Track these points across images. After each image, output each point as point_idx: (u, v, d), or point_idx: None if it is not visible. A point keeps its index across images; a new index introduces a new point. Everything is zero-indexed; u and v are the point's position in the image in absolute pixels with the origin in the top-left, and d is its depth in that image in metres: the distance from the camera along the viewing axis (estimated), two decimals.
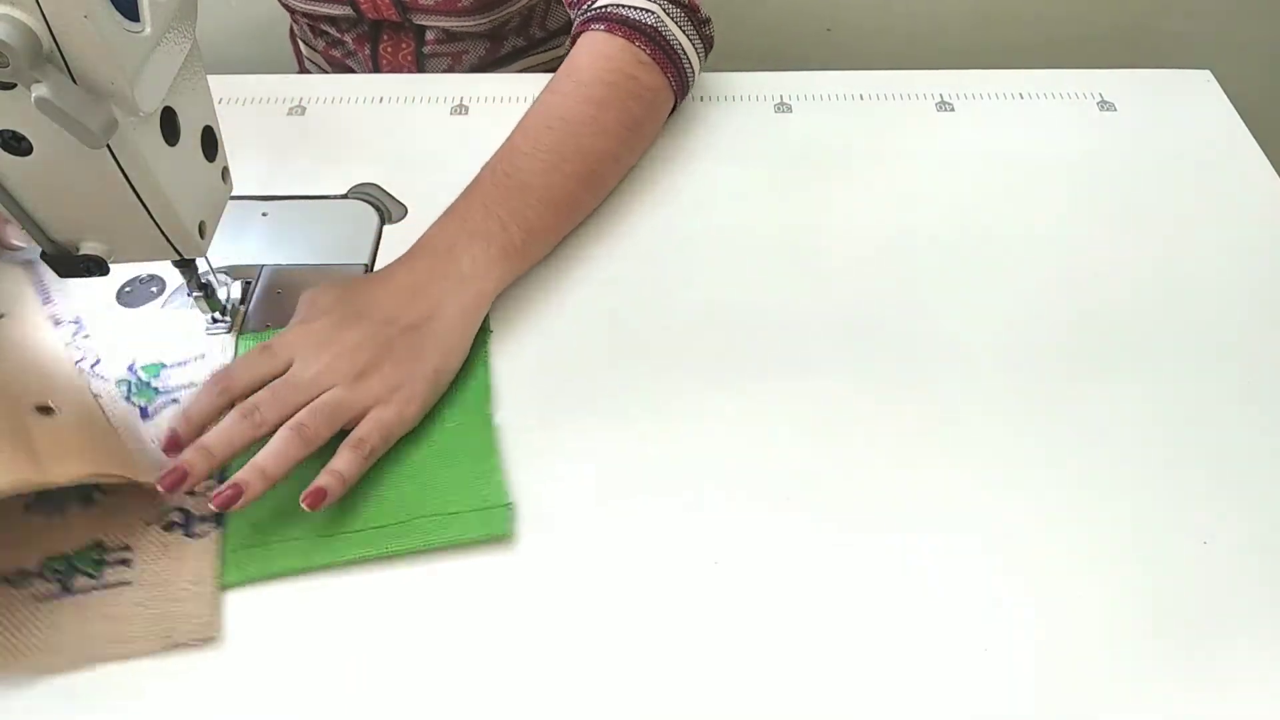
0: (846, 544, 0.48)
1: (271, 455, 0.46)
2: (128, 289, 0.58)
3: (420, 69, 0.80)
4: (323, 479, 0.46)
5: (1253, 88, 0.83)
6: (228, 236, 0.60)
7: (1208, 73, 0.75)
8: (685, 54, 0.66)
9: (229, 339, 0.55)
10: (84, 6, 0.36)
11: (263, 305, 0.58)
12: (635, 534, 0.48)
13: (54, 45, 0.36)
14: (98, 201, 0.44)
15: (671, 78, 0.65)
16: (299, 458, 0.47)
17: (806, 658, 0.44)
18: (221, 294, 0.56)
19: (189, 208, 0.46)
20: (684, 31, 0.65)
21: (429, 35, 0.78)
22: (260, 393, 0.48)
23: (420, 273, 0.55)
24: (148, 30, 0.39)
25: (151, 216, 0.45)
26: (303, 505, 0.45)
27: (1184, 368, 0.55)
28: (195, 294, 0.55)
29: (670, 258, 0.61)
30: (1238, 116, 0.71)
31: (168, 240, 0.47)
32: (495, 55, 0.81)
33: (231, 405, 0.48)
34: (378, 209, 0.64)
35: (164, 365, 0.54)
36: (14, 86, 0.38)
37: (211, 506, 0.45)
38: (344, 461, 0.47)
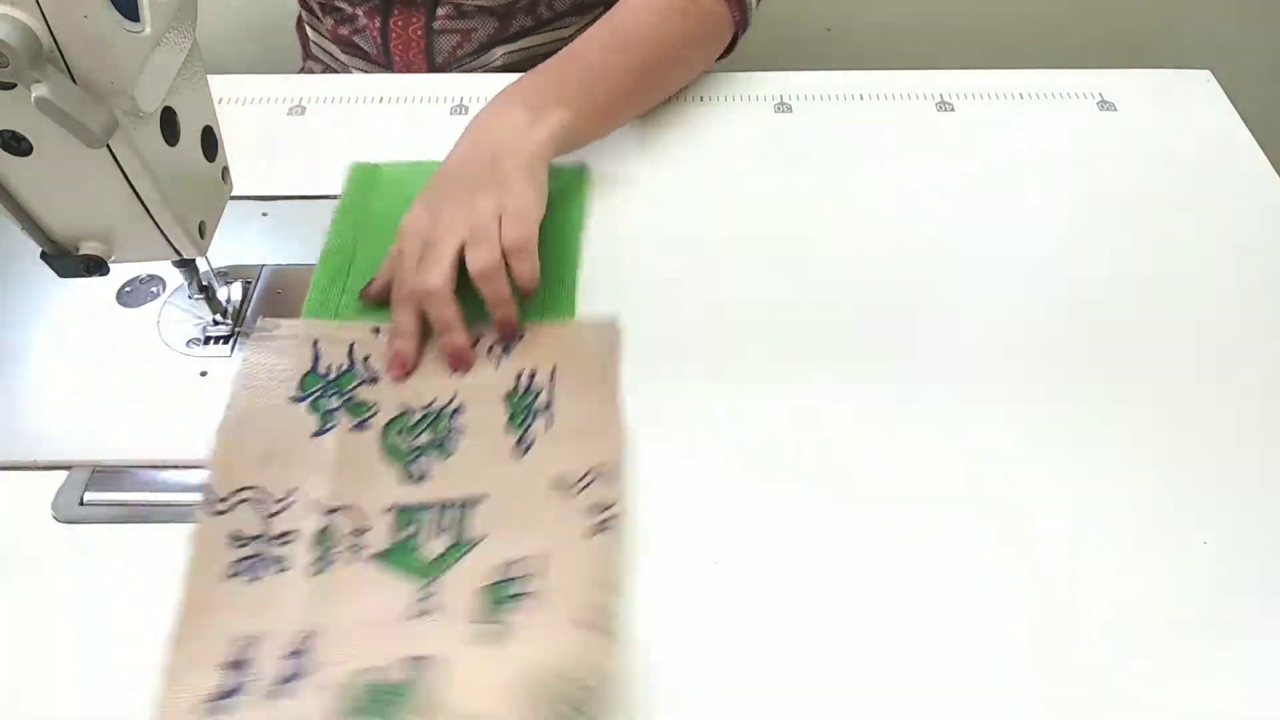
0: (846, 540, 0.48)
1: (495, 294, 0.54)
2: (128, 289, 0.58)
3: (429, 45, 0.80)
4: (498, 314, 0.55)
5: (1253, 88, 0.83)
6: (228, 236, 0.60)
7: (1208, 73, 0.75)
8: None
9: (361, 329, 0.56)
10: (84, 6, 0.36)
11: (263, 305, 0.58)
12: (636, 525, 0.48)
13: (54, 45, 0.36)
14: (98, 201, 0.44)
15: (733, 7, 0.70)
16: (506, 281, 0.55)
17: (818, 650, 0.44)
18: (221, 294, 0.56)
19: (189, 208, 0.46)
20: None
21: (440, 11, 0.78)
22: (420, 274, 0.54)
23: (478, 127, 0.61)
24: (148, 30, 0.39)
25: (151, 216, 0.45)
26: (526, 292, 0.55)
27: (1184, 367, 0.55)
28: (196, 295, 0.55)
29: (668, 257, 0.61)
30: (1238, 116, 0.71)
31: (168, 240, 0.47)
32: (503, 34, 0.81)
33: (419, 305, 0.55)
34: None
35: (347, 369, 0.54)
36: (14, 86, 0.38)
37: (502, 337, 0.55)
38: (522, 266, 0.55)
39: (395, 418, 0.52)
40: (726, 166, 0.67)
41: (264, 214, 0.64)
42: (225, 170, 0.51)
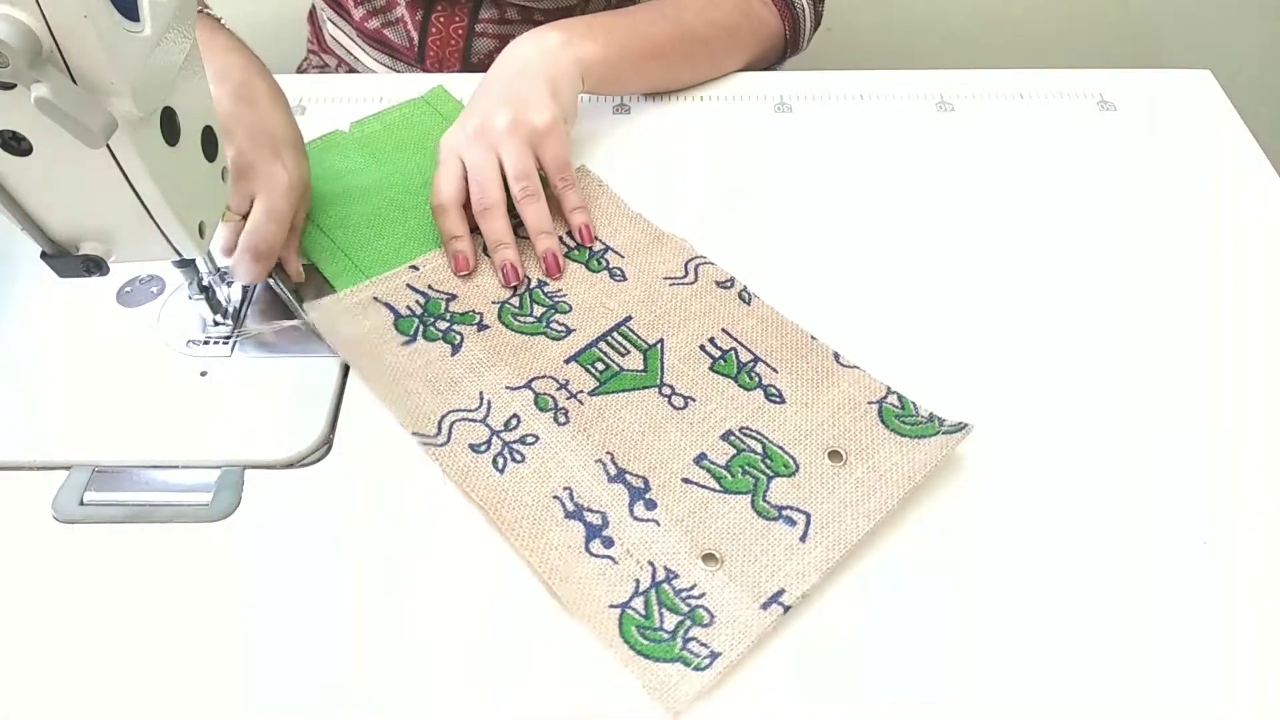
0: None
1: (537, 220, 0.59)
2: (128, 289, 0.58)
3: (467, 46, 0.81)
4: (576, 220, 0.61)
5: (1253, 88, 0.83)
6: None
7: (1208, 73, 0.75)
8: (802, 15, 0.73)
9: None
10: (84, 6, 0.36)
11: (262, 305, 0.58)
12: None
13: (54, 45, 0.36)
14: (98, 201, 0.44)
15: (787, 27, 0.74)
16: (547, 206, 0.60)
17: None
18: (221, 294, 0.56)
19: (189, 208, 0.46)
20: None
21: (483, 14, 0.78)
22: (473, 192, 0.59)
23: (510, 48, 0.64)
24: (148, 30, 0.39)
25: (151, 216, 0.45)
26: (580, 235, 0.60)
27: (1183, 366, 0.55)
28: (196, 296, 0.55)
29: None
30: (1238, 116, 0.71)
31: (168, 240, 0.47)
32: None
33: (464, 213, 0.59)
34: None
35: (424, 301, 0.57)
36: (14, 86, 0.38)
37: (549, 277, 0.59)
38: (571, 199, 0.61)
39: (500, 309, 0.57)
40: (727, 166, 0.67)
41: None
42: (225, 170, 0.51)
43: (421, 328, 0.56)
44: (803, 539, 0.46)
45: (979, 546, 0.48)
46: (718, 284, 0.58)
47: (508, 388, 0.53)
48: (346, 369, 0.55)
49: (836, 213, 0.64)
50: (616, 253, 0.60)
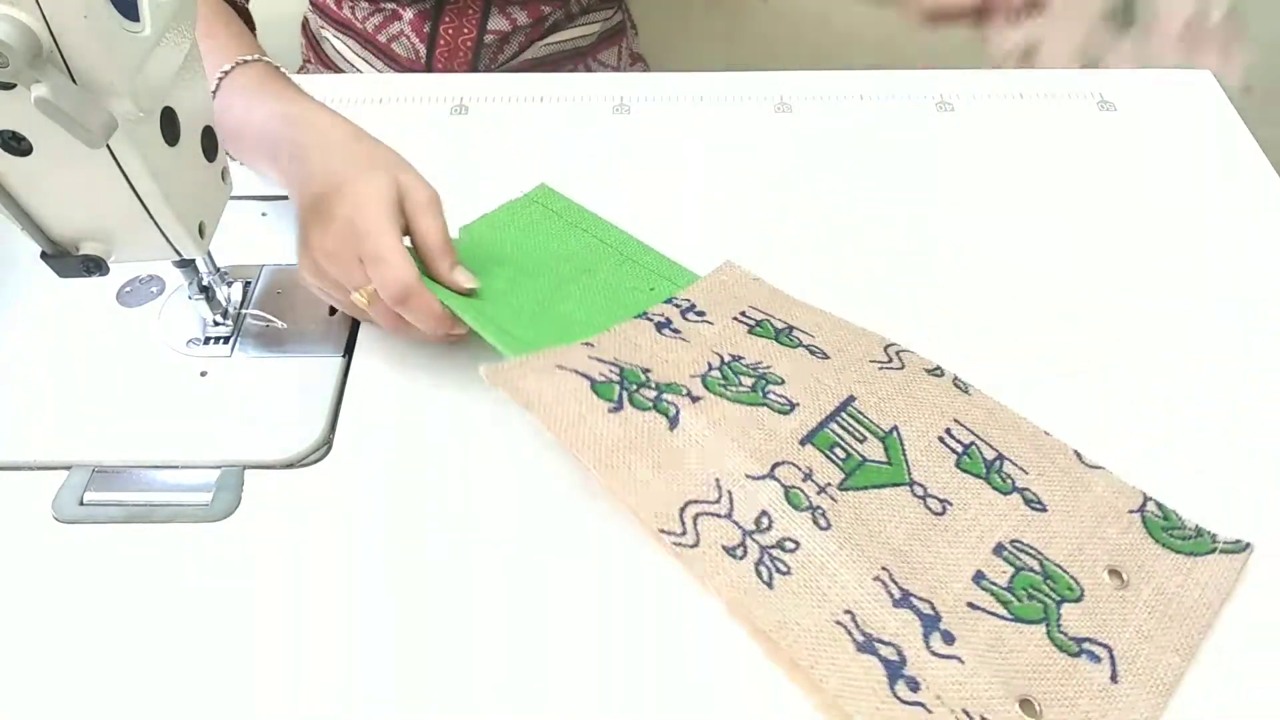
0: None
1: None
2: (128, 289, 0.58)
3: (475, 59, 0.81)
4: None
5: (1253, 88, 0.83)
6: (228, 236, 0.60)
7: (1208, 73, 0.75)
8: None
9: None
10: (84, 6, 0.36)
11: (262, 305, 0.58)
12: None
13: (54, 45, 0.36)
14: (98, 201, 0.44)
15: None
16: None
17: None
18: (221, 294, 0.56)
19: (189, 208, 0.47)
20: None
21: (492, 25, 0.79)
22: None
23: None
24: (148, 30, 0.39)
25: (151, 216, 0.45)
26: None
27: (1182, 367, 0.55)
28: (196, 296, 0.55)
29: (669, 257, 0.61)
30: (1238, 116, 0.71)
31: (168, 240, 0.47)
32: (534, 37, 0.83)
33: None
34: None
35: (618, 370, 0.49)
36: (14, 86, 0.38)
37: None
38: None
39: (704, 380, 0.50)
40: (727, 166, 0.67)
41: (264, 214, 0.64)
42: (225, 170, 0.51)
43: (626, 395, 0.48)
44: (1113, 679, 0.41)
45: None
46: (927, 372, 0.53)
47: (749, 476, 0.46)
48: (347, 369, 0.55)
49: (837, 213, 0.64)
50: (804, 331, 0.55)
